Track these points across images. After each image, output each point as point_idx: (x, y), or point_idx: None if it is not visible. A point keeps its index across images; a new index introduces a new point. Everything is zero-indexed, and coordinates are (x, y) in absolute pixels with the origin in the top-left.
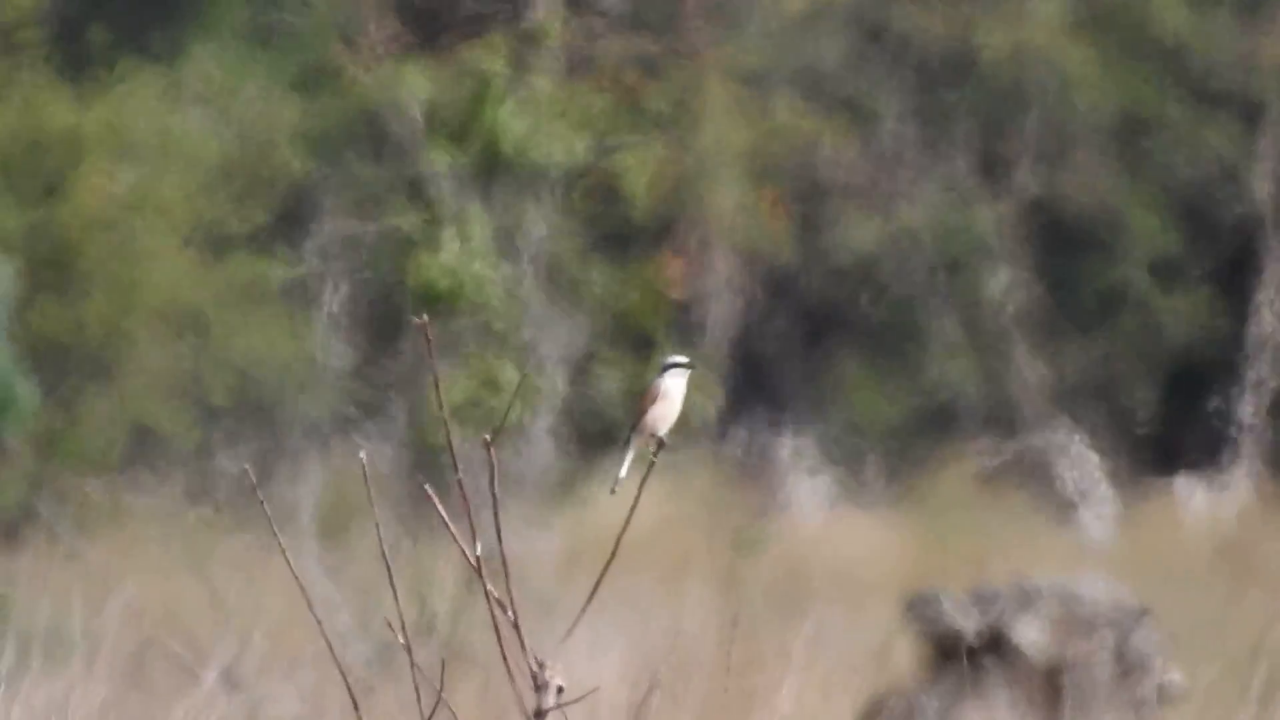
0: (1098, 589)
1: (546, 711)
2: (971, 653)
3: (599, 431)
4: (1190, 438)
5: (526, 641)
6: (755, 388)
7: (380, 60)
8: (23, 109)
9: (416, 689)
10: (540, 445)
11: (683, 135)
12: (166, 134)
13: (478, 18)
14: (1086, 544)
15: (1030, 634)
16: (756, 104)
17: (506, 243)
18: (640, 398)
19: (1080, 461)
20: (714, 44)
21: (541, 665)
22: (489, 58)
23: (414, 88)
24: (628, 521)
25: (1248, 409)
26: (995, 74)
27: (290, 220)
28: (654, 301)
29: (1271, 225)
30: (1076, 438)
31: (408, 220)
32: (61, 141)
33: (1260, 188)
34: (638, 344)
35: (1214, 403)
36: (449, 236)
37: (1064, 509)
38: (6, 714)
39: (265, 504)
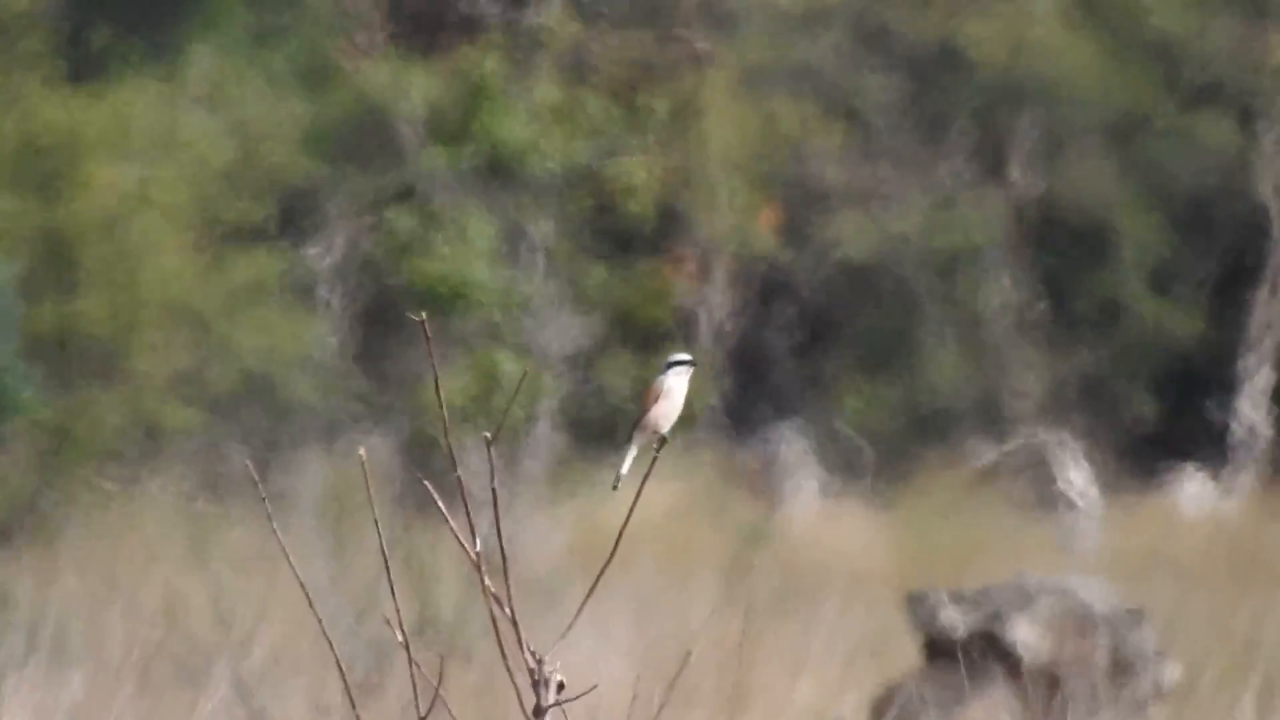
0: (1093, 589)
1: (546, 709)
2: (969, 652)
3: (600, 428)
4: (1187, 439)
5: (525, 638)
6: (753, 387)
7: (377, 60)
8: (24, 108)
9: (414, 686)
10: (542, 442)
11: (681, 138)
12: (167, 132)
13: (476, 19)
14: (1080, 544)
15: (1026, 633)
16: (754, 106)
17: (508, 243)
18: (643, 395)
19: (1074, 462)
20: (712, 46)
21: (540, 661)
22: (486, 59)
23: (411, 88)
24: (628, 518)
25: (1244, 410)
26: (991, 75)
27: (292, 218)
28: (654, 301)
29: (1269, 227)
30: (1071, 439)
31: (406, 222)
32: (63, 140)
33: (1258, 189)
34: (639, 342)
35: (1211, 404)
36: (447, 238)
37: (1058, 510)
38: (12, 716)
39: (266, 500)
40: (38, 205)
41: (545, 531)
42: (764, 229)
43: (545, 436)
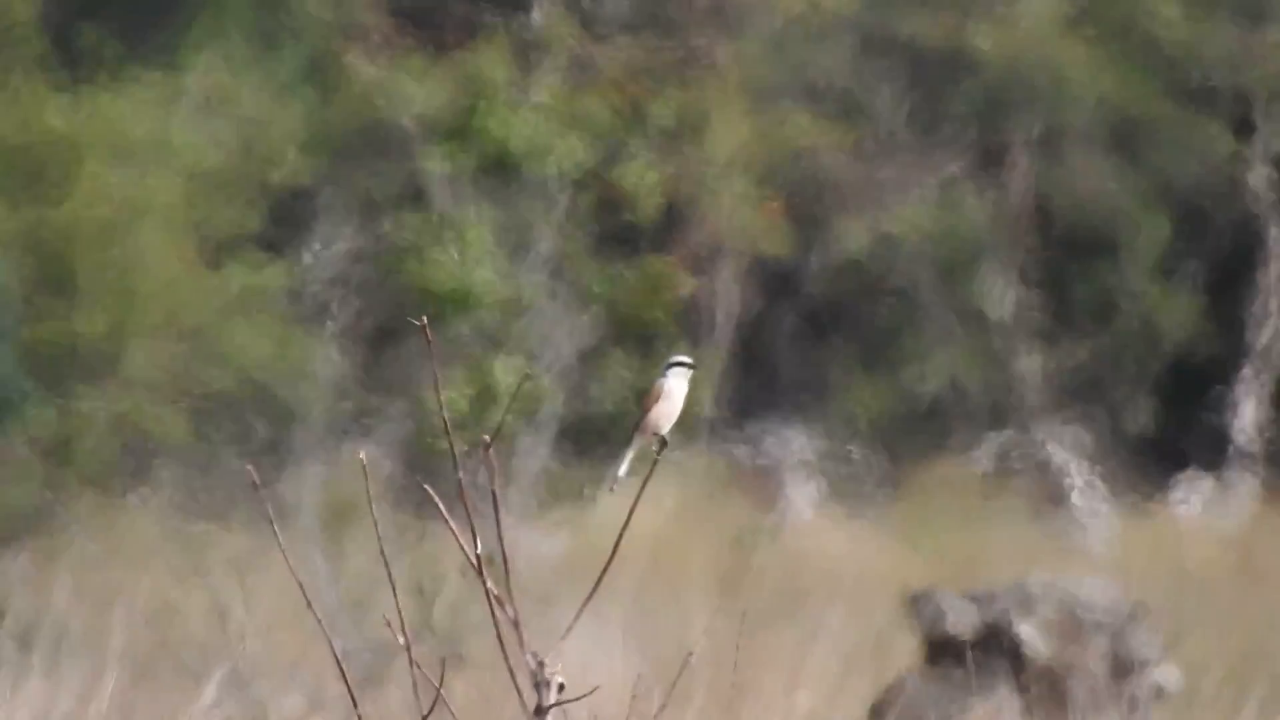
0: (1095, 591)
1: (547, 709)
2: (971, 653)
3: (600, 431)
4: (1188, 440)
5: (526, 639)
6: (755, 388)
7: (380, 62)
8: (20, 112)
9: (415, 687)
10: (541, 445)
11: (686, 139)
12: (164, 137)
13: (480, 22)
14: (1082, 545)
15: (1029, 635)
16: (758, 107)
17: (511, 245)
18: (644, 397)
19: (1076, 463)
20: (717, 49)
21: (541, 662)
22: (489, 62)
23: (413, 91)
24: (628, 520)
25: (1245, 410)
26: (992, 75)
27: (291, 224)
28: (655, 302)
29: (1269, 226)
30: (1072, 439)
31: (408, 226)
32: (59, 145)
33: (1257, 188)
34: (638, 344)
35: (1212, 404)
36: (449, 242)
37: (1060, 510)
38: (10, 716)
39: (267, 503)
40: (34, 210)
41: (542, 535)
42: (767, 229)
43: (543, 440)
